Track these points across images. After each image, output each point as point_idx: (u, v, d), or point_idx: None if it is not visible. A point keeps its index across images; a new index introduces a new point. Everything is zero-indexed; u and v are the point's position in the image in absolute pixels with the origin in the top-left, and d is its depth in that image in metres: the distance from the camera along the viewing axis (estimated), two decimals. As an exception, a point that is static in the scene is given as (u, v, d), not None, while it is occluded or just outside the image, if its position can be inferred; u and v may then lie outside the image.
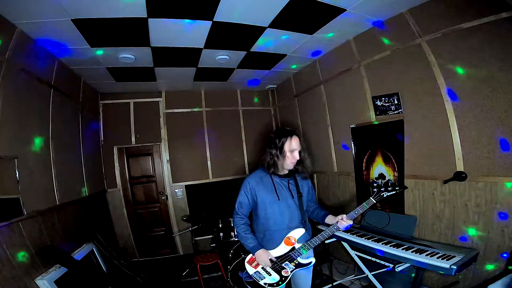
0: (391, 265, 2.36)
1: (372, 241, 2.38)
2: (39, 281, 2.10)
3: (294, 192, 1.81)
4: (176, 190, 4.69)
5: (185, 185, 4.73)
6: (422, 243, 2.23)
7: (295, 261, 1.76)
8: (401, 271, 2.23)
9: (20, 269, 1.99)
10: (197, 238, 4.45)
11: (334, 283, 2.97)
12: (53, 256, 2.33)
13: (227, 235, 3.61)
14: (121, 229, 4.41)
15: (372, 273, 2.62)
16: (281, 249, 1.78)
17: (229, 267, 3.05)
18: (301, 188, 1.83)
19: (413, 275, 2.29)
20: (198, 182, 4.80)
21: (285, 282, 1.77)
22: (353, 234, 2.60)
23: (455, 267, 1.76)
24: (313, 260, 1.79)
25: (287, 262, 1.77)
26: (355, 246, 2.59)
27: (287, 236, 1.77)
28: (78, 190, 3.31)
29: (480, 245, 2.11)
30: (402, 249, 2.14)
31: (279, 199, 1.78)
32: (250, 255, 1.84)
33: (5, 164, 2.08)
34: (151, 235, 4.61)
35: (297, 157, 1.76)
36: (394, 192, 1.69)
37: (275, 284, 1.77)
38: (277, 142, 1.75)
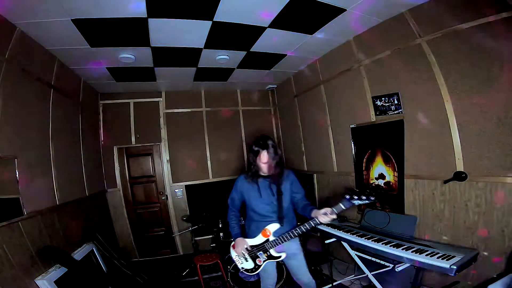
0: (391, 265, 2.36)
1: (372, 241, 2.38)
2: (39, 281, 2.10)
3: (275, 191, 2.02)
4: (176, 190, 4.70)
5: (185, 185, 4.73)
6: (422, 243, 2.23)
7: (267, 252, 2.02)
8: (401, 271, 2.23)
9: (20, 269, 1.99)
10: (197, 238, 4.45)
11: (334, 283, 2.97)
12: (53, 256, 2.33)
13: (227, 235, 3.61)
14: (121, 229, 4.41)
15: (372, 273, 2.62)
16: (258, 239, 2.05)
17: (229, 267, 3.05)
18: (282, 187, 2.02)
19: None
20: (198, 182, 4.80)
21: (258, 270, 2.06)
22: (353, 234, 2.60)
23: (455, 267, 1.76)
24: (283, 255, 2.01)
25: (261, 252, 2.04)
26: (355, 246, 2.59)
27: (264, 228, 2.02)
28: (78, 190, 3.31)
29: (480, 245, 2.11)
30: (402, 249, 2.14)
31: (261, 196, 2.02)
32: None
33: (5, 164, 2.08)
34: (151, 235, 4.61)
35: (266, 169, 1.97)
36: (366, 202, 1.72)
37: (249, 270, 2.10)
38: (253, 153, 1.99)
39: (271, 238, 2.00)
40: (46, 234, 2.41)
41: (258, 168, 2.01)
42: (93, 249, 3.05)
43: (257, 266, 2.07)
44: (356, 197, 1.73)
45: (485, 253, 2.07)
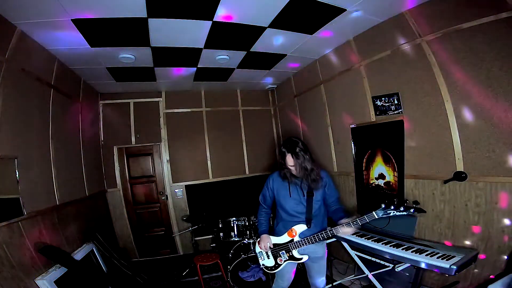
0: (391, 265, 2.36)
1: (372, 241, 2.38)
2: (39, 281, 2.10)
3: (305, 191, 1.98)
4: (176, 190, 4.70)
5: (185, 185, 4.73)
6: (422, 243, 2.23)
7: (290, 252, 2.02)
8: (401, 271, 2.23)
9: (20, 269, 1.99)
10: (197, 238, 4.45)
11: (334, 283, 2.97)
12: (53, 256, 2.33)
13: (227, 235, 3.61)
14: (121, 229, 4.41)
15: (372, 273, 2.62)
16: (283, 238, 2.04)
17: (229, 267, 3.05)
18: (314, 188, 1.97)
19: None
20: (198, 182, 4.80)
21: (278, 269, 2.07)
22: (353, 234, 2.60)
23: (455, 267, 1.76)
24: (305, 258, 1.99)
25: (283, 251, 2.04)
26: (355, 246, 2.59)
27: (291, 228, 2.01)
28: (78, 190, 3.31)
29: (480, 245, 2.11)
30: (402, 249, 2.14)
31: (290, 196, 1.99)
32: None
33: (5, 164, 2.08)
34: (151, 235, 4.61)
35: (294, 172, 1.94)
36: (405, 213, 1.64)
37: (269, 268, 2.12)
38: (281, 154, 1.97)
39: (296, 239, 1.99)
40: (46, 234, 2.41)
41: (287, 173, 1.99)
42: (93, 249, 3.05)
43: (277, 265, 2.07)
44: (393, 207, 1.66)
45: (485, 253, 2.07)
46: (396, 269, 2.24)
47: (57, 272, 2.28)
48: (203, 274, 3.34)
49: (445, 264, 1.82)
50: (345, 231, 1.85)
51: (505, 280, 1.72)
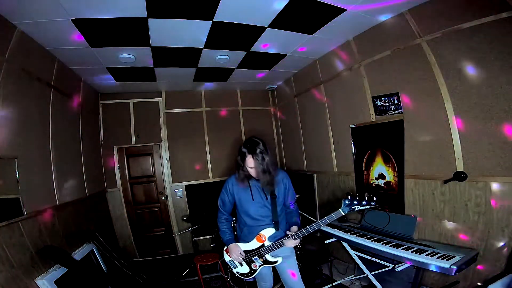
0: (391, 265, 2.36)
1: (372, 241, 2.38)
2: (39, 281, 2.10)
3: (268, 193, 1.91)
4: (176, 190, 4.70)
5: (185, 185, 4.73)
6: (422, 243, 2.23)
7: (263, 257, 1.95)
8: (401, 271, 2.23)
9: (20, 269, 1.99)
10: (197, 238, 4.45)
11: (334, 283, 2.97)
12: (53, 256, 2.33)
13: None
14: (121, 229, 4.41)
15: (372, 273, 2.62)
16: (253, 244, 1.96)
17: (229, 267, 3.05)
18: (276, 190, 1.91)
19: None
20: (198, 182, 4.80)
21: (254, 275, 2.01)
22: (353, 234, 2.61)
23: (455, 267, 1.77)
24: (279, 260, 1.94)
25: (256, 257, 1.97)
26: (355, 246, 2.59)
27: (259, 233, 1.93)
28: (78, 190, 3.31)
29: (480, 245, 2.11)
30: (402, 249, 2.14)
31: (253, 199, 1.92)
32: None
33: (5, 164, 2.07)
34: (151, 235, 4.61)
35: (253, 174, 1.84)
36: (367, 207, 1.64)
37: (245, 275, 2.05)
38: (241, 155, 1.85)
39: (267, 243, 1.92)
40: (46, 234, 2.41)
41: (245, 175, 1.88)
42: (93, 249, 3.05)
43: (252, 271, 2.02)
44: (356, 203, 1.64)
45: (485, 253, 2.07)
46: (396, 269, 2.23)
47: (57, 272, 2.28)
48: (203, 274, 3.34)
49: (445, 264, 1.82)
50: (290, 243, 1.83)
51: (505, 280, 1.72)
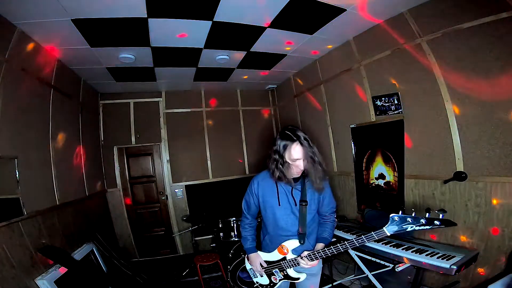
0: (391, 265, 2.36)
1: (372, 241, 2.37)
2: (39, 281, 2.10)
3: (298, 199, 1.60)
4: (176, 190, 4.69)
5: (185, 185, 4.73)
6: (422, 243, 2.23)
7: (284, 271, 1.71)
8: (401, 271, 2.23)
9: (20, 269, 1.99)
10: (197, 238, 4.45)
11: (334, 283, 2.97)
12: (53, 256, 2.33)
13: (227, 235, 3.60)
14: (121, 229, 4.41)
15: (372, 273, 2.62)
16: (274, 256, 1.71)
17: (229, 267, 3.05)
18: (308, 196, 1.59)
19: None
20: (198, 182, 4.80)
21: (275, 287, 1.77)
22: (353, 234, 2.61)
23: (455, 267, 1.77)
24: (302, 277, 1.67)
25: (277, 269, 1.73)
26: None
27: (281, 244, 1.66)
28: (78, 190, 3.31)
29: (480, 245, 2.10)
30: (402, 249, 2.14)
31: (279, 205, 1.62)
32: None
33: (5, 164, 2.08)
34: (151, 235, 4.61)
35: (301, 167, 1.49)
36: (428, 227, 1.21)
37: (265, 286, 1.82)
38: (278, 148, 1.49)
39: (289, 256, 1.65)
40: (46, 234, 2.41)
41: (284, 173, 1.51)
42: (93, 249, 3.05)
43: (272, 284, 1.78)
44: (410, 221, 1.23)
45: (485, 253, 2.07)
46: (396, 269, 2.23)
47: (57, 272, 2.28)
48: (203, 274, 3.34)
49: (445, 264, 1.82)
50: (306, 264, 1.54)
51: (505, 280, 1.72)
